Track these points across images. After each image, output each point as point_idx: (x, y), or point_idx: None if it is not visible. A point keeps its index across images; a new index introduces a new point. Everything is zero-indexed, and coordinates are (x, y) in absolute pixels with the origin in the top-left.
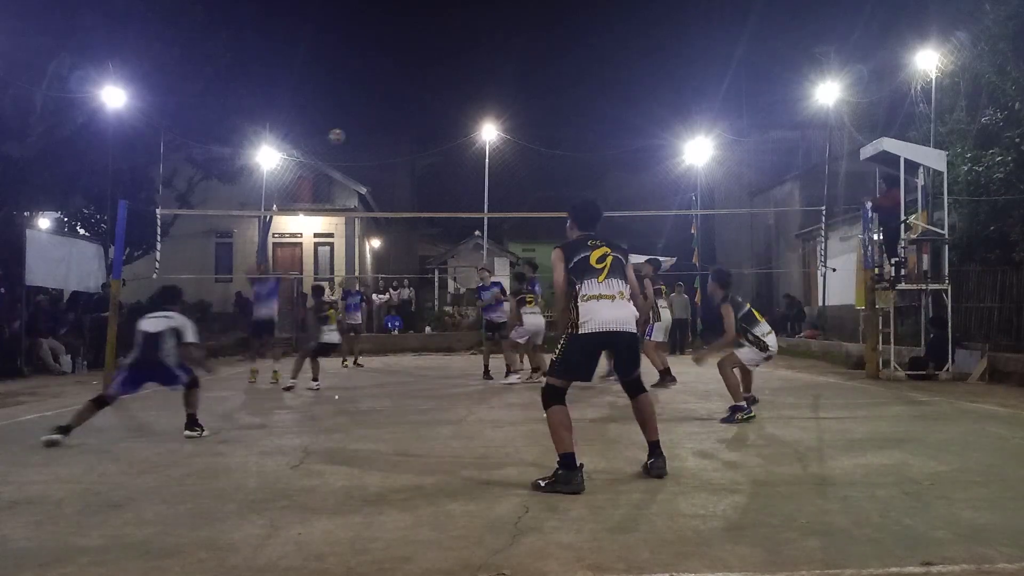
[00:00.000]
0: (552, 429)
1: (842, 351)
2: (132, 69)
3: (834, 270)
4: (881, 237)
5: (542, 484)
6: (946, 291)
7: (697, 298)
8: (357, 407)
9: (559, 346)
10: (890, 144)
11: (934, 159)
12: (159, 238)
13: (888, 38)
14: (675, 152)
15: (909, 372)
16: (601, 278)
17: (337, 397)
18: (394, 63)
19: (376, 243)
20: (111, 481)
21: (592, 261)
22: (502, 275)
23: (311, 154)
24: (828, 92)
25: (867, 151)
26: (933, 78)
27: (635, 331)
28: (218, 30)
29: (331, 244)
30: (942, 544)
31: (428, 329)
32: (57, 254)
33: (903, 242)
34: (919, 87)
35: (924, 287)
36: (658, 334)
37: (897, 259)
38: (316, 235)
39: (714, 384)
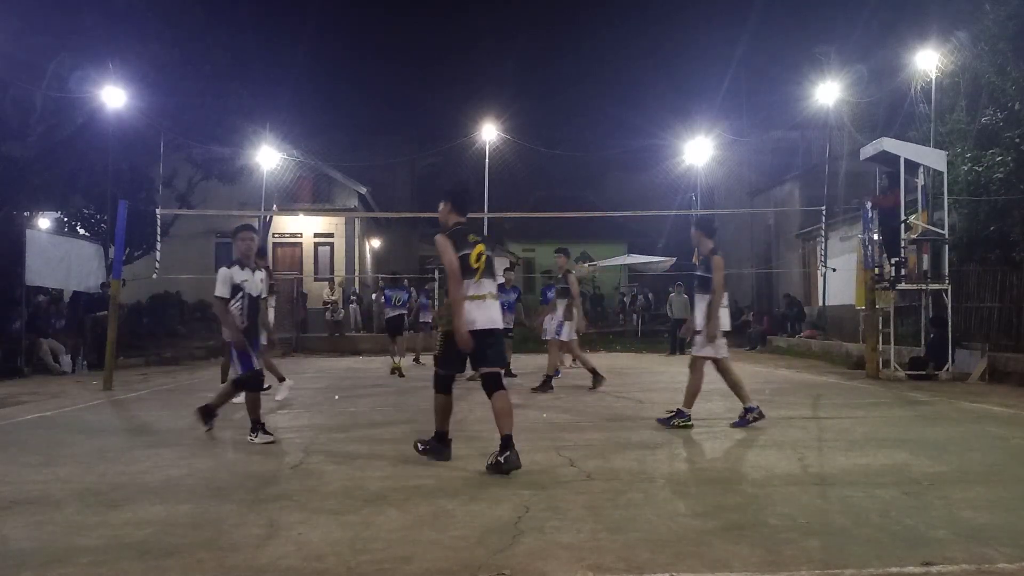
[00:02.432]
0: (435, 410)
1: (842, 351)
2: (132, 69)
3: (834, 270)
4: (881, 237)
5: (420, 448)
6: (946, 291)
7: None
8: (357, 407)
9: (440, 341)
10: (890, 144)
11: (934, 159)
12: (159, 238)
13: (888, 38)
14: (675, 152)
15: (909, 372)
16: (476, 278)
17: (337, 397)
18: (394, 63)
19: (376, 243)
20: (111, 481)
21: (472, 260)
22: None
23: (311, 154)
24: (828, 92)
25: (867, 151)
26: (933, 78)
27: (502, 328)
28: (218, 30)
29: (331, 244)
30: (942, 544)
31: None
32: (57, 254)
33: (903, 242)
34: (919, 87)
35: (924, 287)
36: (571, 333)
37: (897, 259)
38: (316, 235)
39: (713, 384)
